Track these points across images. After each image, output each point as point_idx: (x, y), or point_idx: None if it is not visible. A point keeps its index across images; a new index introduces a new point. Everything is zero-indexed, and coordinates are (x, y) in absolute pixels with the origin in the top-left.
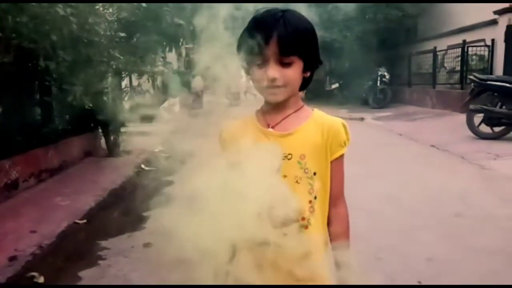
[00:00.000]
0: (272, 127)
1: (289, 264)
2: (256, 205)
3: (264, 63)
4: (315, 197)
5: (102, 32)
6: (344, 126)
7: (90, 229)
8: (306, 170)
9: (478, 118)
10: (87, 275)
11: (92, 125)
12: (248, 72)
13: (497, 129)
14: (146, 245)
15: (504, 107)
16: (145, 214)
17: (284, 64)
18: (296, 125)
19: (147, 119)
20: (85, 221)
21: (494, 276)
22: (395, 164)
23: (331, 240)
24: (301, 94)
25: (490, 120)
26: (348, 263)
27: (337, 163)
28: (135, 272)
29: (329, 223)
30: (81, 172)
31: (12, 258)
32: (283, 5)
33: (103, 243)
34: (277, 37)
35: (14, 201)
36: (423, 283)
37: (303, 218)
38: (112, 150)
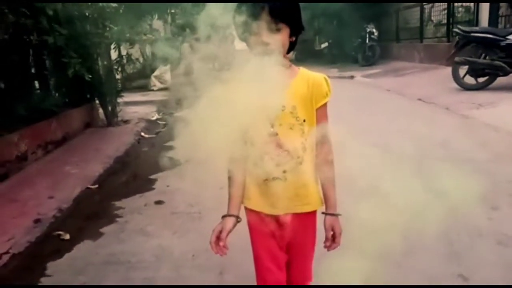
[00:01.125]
0: None
1: (289, 192)
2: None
3: (257, 30)
4: (306, 139)
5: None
6: (325, 79)
7: (102, 192)
8: (298, 118)
9: (463, 70)
10: (107, 231)
11: (88, 96)
12: (243, 39)
13: (481, 79)
14: (158, 202)
15: (487, 57)
16: (152, 176)
17: (274, 30)
18: (286, 82)
19: (140, 88)
20: (97, 186)
21: (463, 207)
22: (382, 117)
23: (319, 169)
24: (291, 55)
25: (474, 71)
26: (333, 193)
27: (321, 111)
28: (151, 225)
29: (317, 158)
30: (84, 142)
31: (37, 221)
32: None
33: (118, 204)
34: (268, 8)
35: (26, 172)
36: (402, 222)
37: (297, 156)
38: (111, 120)
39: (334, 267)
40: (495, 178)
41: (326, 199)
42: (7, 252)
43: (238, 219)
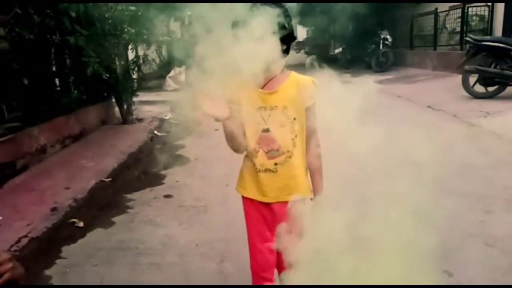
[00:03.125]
0: (262, 88)
1: (279, 183)
2: None
3: (249, 37)
4: (296, 135)
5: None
6: (313, 82)
7: (115, 185)
8: (288, 117)
9: (473, 78)
10: (119, 220)
11: (105, 95)
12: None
13: (490, 88)
14: (167, 196)
15: (497, 66)
16: (163, 172)
17: (265, 39)
18: (278, 85)
19: (155, 88)
20: (110, 179)
21: (460, 209)
22: (390, 123)
23: (308, 161)
24: (283, 61)
25: (484, 80)
26: (320, 181)
27: (309, 110)
28: (159, 217)
29: (307, 150)
30: (99, 138)
31: (54, 209)
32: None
33: (129, 196)
34: (260, 18)
35: (45, 164)
36: (405, 221)
37: (288, 151)
38: (126, 118)
39: None
40: (492, 184)
41: (314, 188)
42: (25, 236)
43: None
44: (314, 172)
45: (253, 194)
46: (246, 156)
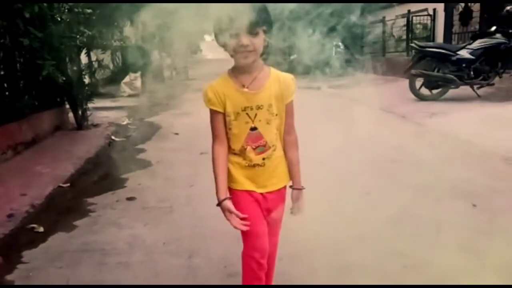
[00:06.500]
0: (247, 87)
1: (267, 174)
2: None
3: (237, 34)
4: (277, 129)
5: (68, 8)
6: (293, 79)
7: (75, 190)
8: (272, 113)
9: (419, 82)
10: (81, 224)
11: (59, 100)
12: (221, 43)
13: (435, 91)
14: (130, 198)
15: (440, 71)
16: (124, 176)
17: (252, 34)
18: (263, 83)
19: (110, 94)
20: (68, 184)
21: (411, 199)
22: (344, 124)
23: (287, 154)
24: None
25: (429, 83)
26: (298, 171)
27: (289, 106)
28: (123, 218)
29: (285, 145)
30: (54, 144)
31: (10, 215)
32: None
33: (90, 200)
34: (247, 17)
35: None
36: (360, 214)
37: (273, 145)
38: (81, 124)
39: None
40: (439, 176)
41: (292, 177)
42: None
43: (229, 198)
44: (293, 163)
45: (248, 186)
46: (231, 154)
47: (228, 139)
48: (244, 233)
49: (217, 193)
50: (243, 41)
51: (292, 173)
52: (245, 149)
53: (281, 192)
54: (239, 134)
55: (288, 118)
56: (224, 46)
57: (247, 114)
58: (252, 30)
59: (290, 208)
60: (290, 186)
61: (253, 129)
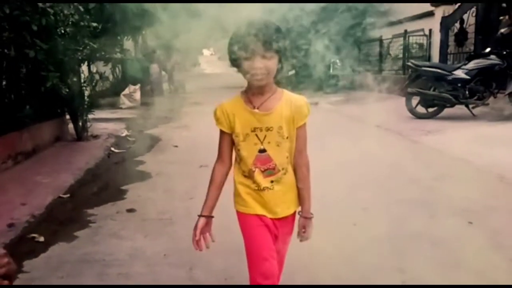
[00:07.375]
0: (257, 108)
1: (277, 199)
2: None
3: (252, 57)
4: (289, 153)
5: (74, 21)
6: (306, 103)
7: (75, 201)
8: (283, 136)
9: (415, 100)
10: (82, 234)
11: (59, 110)
12: (235, 65)
13: (430, 109)
14: (130, 210)
15: (436, 90)
16: (123, 187)
17: (266, 58)
18: (274, 105)
19: (109, 105)
20: (68, 195)
21: (407, 215)
22: (342, 141)
23: (297, 179)
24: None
25: (424, 102)
26: (308, 199)
27: (301, 129)
28: (124, 230)
29: (295, 169)
30: (54, 154)
31: (11, 225)
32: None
33: (90, 211)
34: (262, 40)
35: None
36: (358, 226)
37: (283, 168)
38: (81, 135)
39: None
40: (435, 193)
41: (302, 204)
42: None
43: (210, 217)
44: (303, 191)
45: (259, 210)
46: (241, 176)
47: (239, 162)
48: (249, 257)
49: (202, 207)
50: (256, 64)
51: (301, 199)
52: (254, 171)
53: (289, 221)
54: (248, 155)
55: (299, 141)
56: (237, 67)
57: (256, 135)
58: (266, 53)
59: (297, 234)
60: (299, 212)
61: (262, 151)
